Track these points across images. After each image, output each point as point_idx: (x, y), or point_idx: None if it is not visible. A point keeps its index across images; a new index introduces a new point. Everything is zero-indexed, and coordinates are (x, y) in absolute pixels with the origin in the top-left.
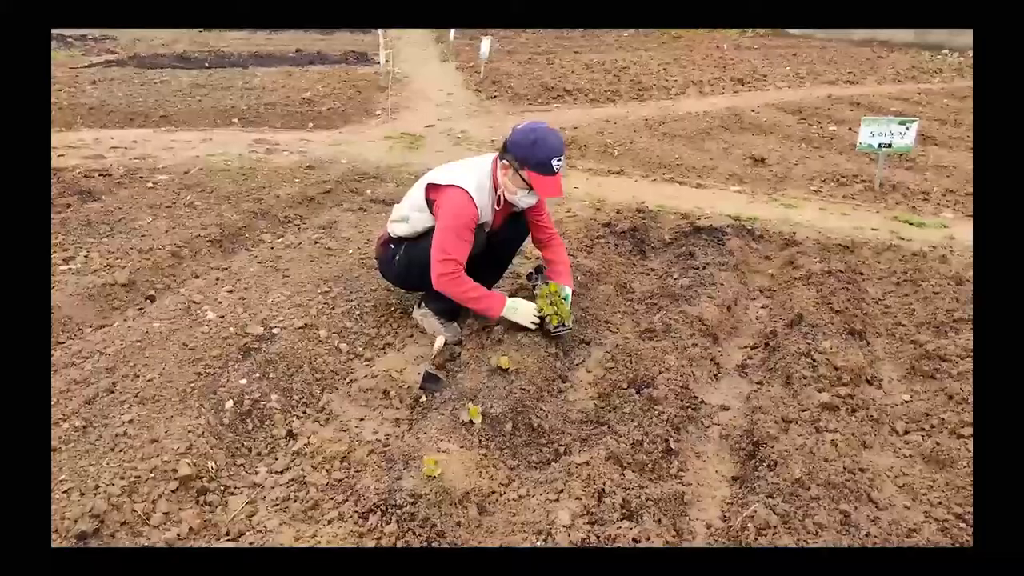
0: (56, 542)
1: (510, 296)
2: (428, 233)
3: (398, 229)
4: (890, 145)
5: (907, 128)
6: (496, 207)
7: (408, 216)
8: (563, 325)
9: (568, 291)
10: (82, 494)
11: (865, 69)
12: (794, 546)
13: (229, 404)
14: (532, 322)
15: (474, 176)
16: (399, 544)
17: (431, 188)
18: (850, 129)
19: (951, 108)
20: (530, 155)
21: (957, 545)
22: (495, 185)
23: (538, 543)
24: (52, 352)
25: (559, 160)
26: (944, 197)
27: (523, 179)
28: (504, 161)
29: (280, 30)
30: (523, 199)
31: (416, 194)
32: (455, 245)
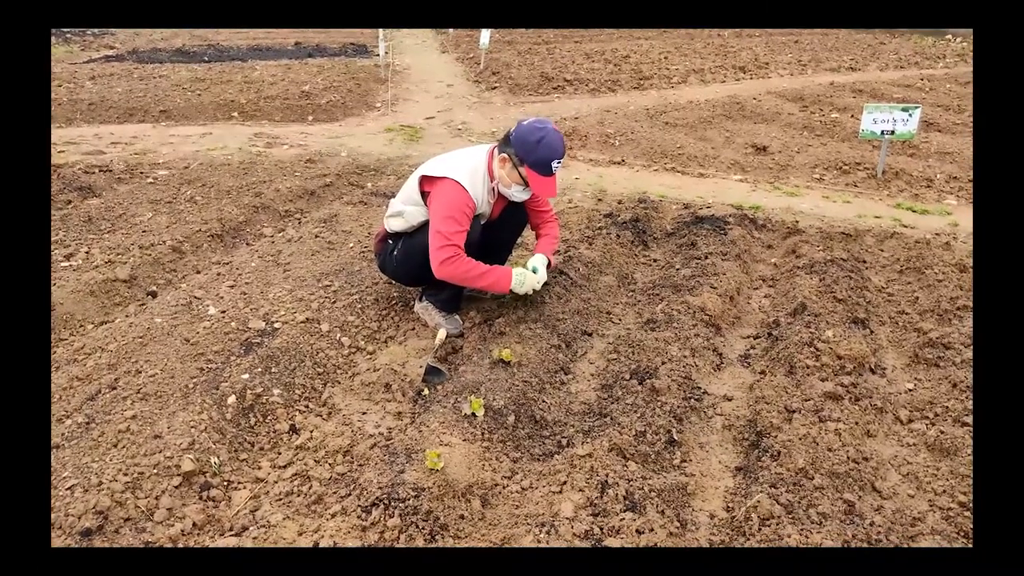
0: (60, 539)
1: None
2: (424, 227)
3: (394, 224)
4: (893, 132)
5: (910, 115)
6: (491, 198)
7: (403, 210)
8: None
9: (543, 259)
10: (85, 490)
11: (867, 55)
12: (798, 536)
13: (231, 399)
14: (535, 286)
15: (467, 167)
16: (402, 537)
17: (424, 180)
18: (852, 116)
19: (954, 94)
20: (532, 153)
21: (961, 533)
22: (490, 176)
23: (541, 535)
24: (54, 349)
25: (558, 162)
26: (947, 184)
27: (520, 175)
28: (504, 154)
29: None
30: (517, 194)
31: (410, 187)
32: (452, 231)
